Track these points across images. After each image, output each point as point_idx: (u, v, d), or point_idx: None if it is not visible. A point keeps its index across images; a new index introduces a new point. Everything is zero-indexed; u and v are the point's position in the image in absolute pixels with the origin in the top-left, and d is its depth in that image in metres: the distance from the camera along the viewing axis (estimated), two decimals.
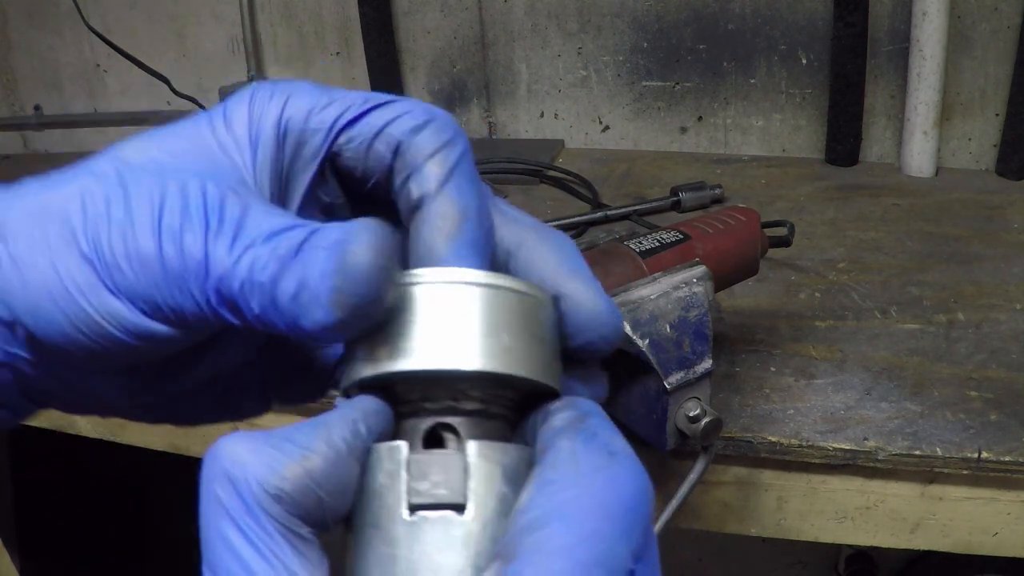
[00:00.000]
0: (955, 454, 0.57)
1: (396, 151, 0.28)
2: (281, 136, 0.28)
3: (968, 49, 1.02)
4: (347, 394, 0.27)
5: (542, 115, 1.25)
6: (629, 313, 0.52)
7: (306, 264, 0.24)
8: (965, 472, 0.57)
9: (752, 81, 1.13)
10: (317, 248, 0.24)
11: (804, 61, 1.10)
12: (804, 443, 0.59)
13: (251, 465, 0.22)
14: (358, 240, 0.24)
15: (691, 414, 0.53)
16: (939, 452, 0.57)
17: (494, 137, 1.29)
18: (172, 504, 1.51)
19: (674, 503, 0.55)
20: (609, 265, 0.57)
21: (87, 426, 0.81)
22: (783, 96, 1.13)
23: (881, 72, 1.07)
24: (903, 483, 0.59)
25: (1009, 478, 0.57)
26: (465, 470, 0.24)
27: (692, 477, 0.55)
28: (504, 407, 0.26)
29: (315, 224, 0.25)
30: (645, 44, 1.16)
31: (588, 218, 0.96)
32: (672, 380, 0.52)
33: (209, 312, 0.25)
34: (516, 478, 0.24)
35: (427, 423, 0.25)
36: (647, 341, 0.52)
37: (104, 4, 1.36)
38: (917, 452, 0.57)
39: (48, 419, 0.82)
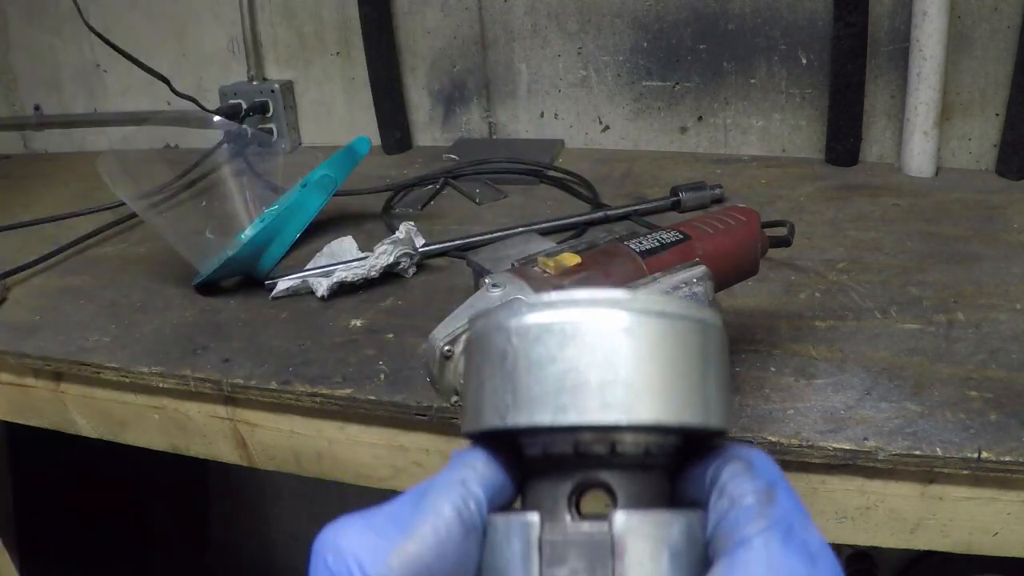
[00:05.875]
0: (955, 454, 0.57)
1: None
2: None
3: (968, 49, 1.02)
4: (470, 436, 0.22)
5: (542, 115, 1.25)
6: None
7: None
8: (965, 472, 0.57)
9: (752, 81, 1.13)
10: None
11: (804, 61, 1.10)
12: (804, 443, 0.59)
13: (355, 558, 0.20)
14: None
15: None
16: (939, 452, 0.57)
17: (494, 137, 1.29)
18: (172, 504, 1.51)
19: None
20: (609, 265, 0.57)
21: (87, 426, 0.81)
22: (783, 96, 1.13)
23: (881, 72, 1.07)
24: (903, 483, 0.59)
25: (1009, 478, 0.57)
26: (614, 552, 0.19)
27: None
28: (665, 454, 0.21)
29: None
30: (645, 44, 1.16)
31: (588, 218, 0.96)
32: None
33: None
34: (681, 556, 0.19)
35: (569, 483, 0.20)
36: None
37: (104, 4, 1.36)
38: (917, 452, 0.57)
39: (48, 419, 0.82)
